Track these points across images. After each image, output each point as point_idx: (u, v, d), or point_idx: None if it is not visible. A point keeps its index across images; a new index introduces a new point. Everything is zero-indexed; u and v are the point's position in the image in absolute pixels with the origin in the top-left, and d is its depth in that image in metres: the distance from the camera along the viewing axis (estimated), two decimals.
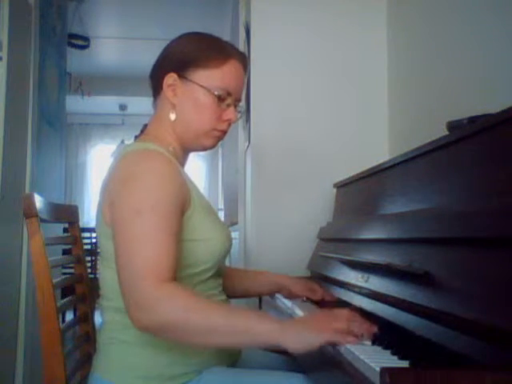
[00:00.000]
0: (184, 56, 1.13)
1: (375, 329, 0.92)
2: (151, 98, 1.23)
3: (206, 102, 1.13)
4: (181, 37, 1.20)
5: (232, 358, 1.18)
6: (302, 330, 0.90)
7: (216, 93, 1.12)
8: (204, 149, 1.21)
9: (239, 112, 1.21)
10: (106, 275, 1.11)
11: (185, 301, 0.92)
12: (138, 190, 1.00)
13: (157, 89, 1.18)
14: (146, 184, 1.01)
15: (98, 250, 1.15)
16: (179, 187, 1.05)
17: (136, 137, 1.23)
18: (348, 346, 0.87)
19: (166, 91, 1.14)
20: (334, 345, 0.89)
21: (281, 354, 1.34)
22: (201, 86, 1.12)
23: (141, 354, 1.06)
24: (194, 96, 1.13)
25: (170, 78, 1.13)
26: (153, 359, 1.06)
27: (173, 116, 1.14)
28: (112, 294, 1.10)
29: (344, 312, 0.94)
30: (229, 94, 1.15)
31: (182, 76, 1.13)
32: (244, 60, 1.20)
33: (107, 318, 1.12)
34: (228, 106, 1.16)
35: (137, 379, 1.05)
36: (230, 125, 1.19)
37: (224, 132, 1.19)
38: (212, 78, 1.12)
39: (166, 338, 0.97)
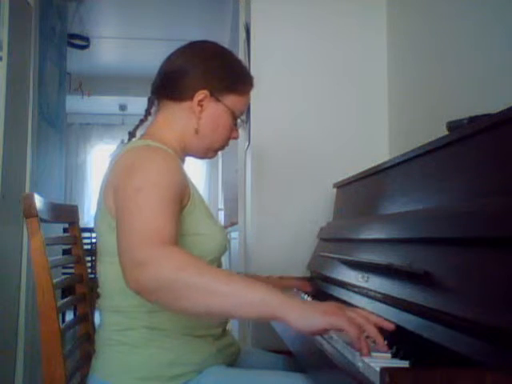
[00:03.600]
0: (220, 78, 1.18)
1: (385, 348, 0.83)
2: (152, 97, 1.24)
3: (227, 122, 1.20)
4: (210, 50, 1.22)
5: (231, 357, 1.18)
6: (310, 310, 0.83)
7: (238, 116, 1.21)
8: (204, 158, 1.27)
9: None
10: (106, 272, 1.11)
11: (184, 260, 0.88)
12: (140, 173, 1.01)
13: (179, 94, 1.18)
14: (147, 169, 1.02)
15: (98, 247, 1.15)
16: (179, 178, 1.07)
17: (130, 133, 1.25)
18: (349, 346, 0.88)
19: (195, 105, 1.16)
20: (339, 330, 0.82)
21: (281, 353, 1.34)
22: (228, 108, 1.19)
23: (140, 354, 1.06)
24: (219, 115, 1.19)
25: (202, 95, 1.16)
26: (152, 360, 1.06)
27: (198, 130, 1.18)
28: (112, 292, 1.10)
29: (360, 310, 0.87)
30: (241, 116, 1.24)
31: (214, 95, 1.17)
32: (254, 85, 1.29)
33: (106, 319, 1.12)
34: (235, 125, 1.23)
35: (136, 380, 1.04)
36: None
37: (225, 147, 1.27)
38: (238, 103, 1.21)
39: (160, 300, 0.89)
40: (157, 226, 0.92)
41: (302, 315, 0.82)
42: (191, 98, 1.16)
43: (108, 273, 1.11)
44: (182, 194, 1.07)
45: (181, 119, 1.18)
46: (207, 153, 1.24)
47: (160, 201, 0.97)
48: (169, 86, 1.19)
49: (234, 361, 1.20)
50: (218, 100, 1.17)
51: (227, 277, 0.88)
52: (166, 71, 1.20)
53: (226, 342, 1.17)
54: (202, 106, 1.17)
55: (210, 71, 1.18)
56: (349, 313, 0.83)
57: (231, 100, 1.19)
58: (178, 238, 0.96)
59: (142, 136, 1.20)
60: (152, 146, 1.11)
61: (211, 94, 1.16)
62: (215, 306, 0.86)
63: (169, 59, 1.21)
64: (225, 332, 1.19)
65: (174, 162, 1.09)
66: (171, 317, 1.07)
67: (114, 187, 1.05)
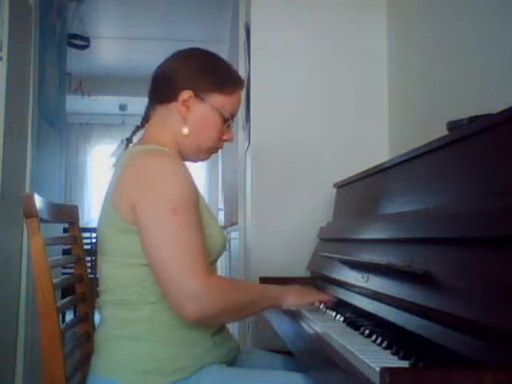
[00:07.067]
0: (203, 77, 1.20)
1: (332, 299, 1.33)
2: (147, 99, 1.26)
3: (215, 122, 1.21)
4: (195, 53, 1.25)
5: (229, 353, 1.18)
6: (293, 294, 1.22)
7: (225, 116, 1.21)
8: (198, 161, 1.29)
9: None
10: (111, 270, 1.12)
11: (229, 286, 1.11)
12: (168, 190, 1.06)
13: (166, 97, 1.20)
14: (172, 183, 1.07)
15: (102, 248, 1.15)
16: (194, 184, 1.12)
17: (127, 139, 1.28)
18: (348, 346, 0.88)
19: (180, 106, 1.18)
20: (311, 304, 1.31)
21: (281, 353, 1.34)
22: (214, 108, 1.20)
23: (140, 348, 1.07)
24: (205, 115, 1.20)
25: (186, 95, 1.18)
26: (152, 354, 1.06)
27: (185, 130, 1.19)
28: (114, 288, 1.11)
29: (313, 289, 1.37)
30: (232, 118, 1.24)
31: (197, 95, 1.18)
32: (244, 87, 1.31)
33: (106, 314, 1.13)
34: (228, 127, 1.24)
35: (137, 375, 1.05)
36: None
37: (219, 149, 1.28)
38: (224, 102, 1.21)
39: (216, 322, 1.13)
40: (197, 252, 1.02)
41: (289, 299, 1.20)
42: (177, 99, 1.18)
43: (113, 270, 1.11)
44: (198, 198, 1.11)
45: (170, 122, 1.20)
46: (198, 154, 1.24)
47: (194, 222, 1.05)
48: (157, 90, 1.23)
49: (233, 360, 1.20)
50: (202, 100, 1.19)
51: (255, 287, 1.28)
52: (155, 77, 1.24)
53: (222, 336, 1.18)
54: (187, 106, 1.18)
55: (193, 72, 1.20)
56: (312, 292, 1.31)
57: (217, 100, 1.20)
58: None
59: (140, 141, 1.21)
60: (158, 150, 1.13)
61: (195, 95, 1.18)
62: (252, 311, 1.18)
63: (158, 67, 1.25)
64: (222, 327, 1.19)
65: (184, 167, 1.12)
66: (170, 310, 1.07)
67: (130, 198, 1.06)
